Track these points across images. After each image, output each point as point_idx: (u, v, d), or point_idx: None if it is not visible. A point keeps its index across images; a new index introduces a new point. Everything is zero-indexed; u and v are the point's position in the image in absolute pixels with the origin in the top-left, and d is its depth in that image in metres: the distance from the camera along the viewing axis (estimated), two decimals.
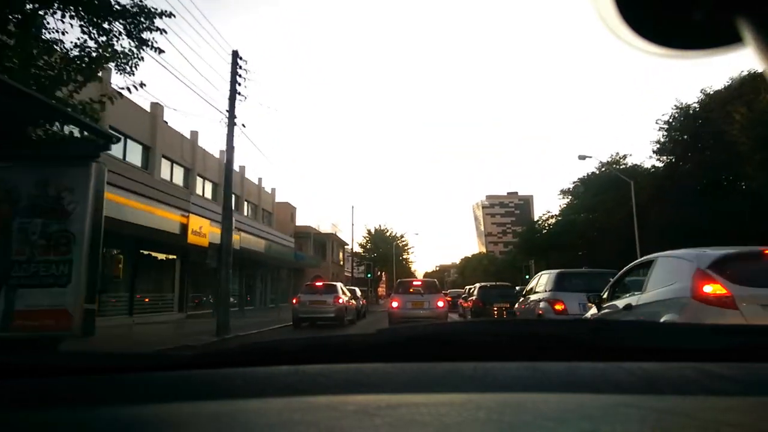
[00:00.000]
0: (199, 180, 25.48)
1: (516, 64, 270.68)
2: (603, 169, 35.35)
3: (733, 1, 0.51)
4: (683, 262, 4.92)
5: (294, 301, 17.35)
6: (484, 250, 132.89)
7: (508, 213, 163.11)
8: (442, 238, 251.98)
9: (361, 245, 55.80)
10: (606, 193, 33.15)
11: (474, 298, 19.22)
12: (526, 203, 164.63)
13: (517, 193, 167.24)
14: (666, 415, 0.58)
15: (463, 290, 37.58)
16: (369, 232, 56.05)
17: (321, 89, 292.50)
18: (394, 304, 15.20)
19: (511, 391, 0.71)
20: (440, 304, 15.14)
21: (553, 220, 39.51)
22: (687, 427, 0.54)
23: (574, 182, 40.85)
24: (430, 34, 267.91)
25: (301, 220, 48.24)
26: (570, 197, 41.07)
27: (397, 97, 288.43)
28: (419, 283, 16.63)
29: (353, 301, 18.81)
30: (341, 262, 54.80)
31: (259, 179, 36.95)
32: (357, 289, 23.53)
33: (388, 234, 56.39)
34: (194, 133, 25.37)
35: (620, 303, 5.88)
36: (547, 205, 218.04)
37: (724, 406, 0.63)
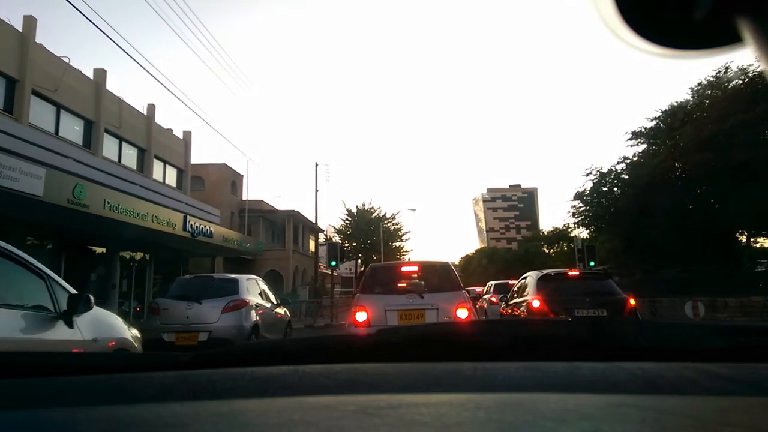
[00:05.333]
0: None
1: (517, 55, 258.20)
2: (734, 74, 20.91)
3: (733, 1, 0.51)
4: None
5: None
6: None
7: (510, 207, 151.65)
8: (438, 238, 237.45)
9: (339, 230, 40.77)
10: (736, 113, 18.86)
11: (531, 300, 8.97)
12: (530, 196, 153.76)
13: (519, 185, 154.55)
14: (666, 415, 0.58)
15: (483, 288, 24.41)
16: (349, 212, 41.07)
17: (316, 75, 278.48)
18: (361, 317, 6.83)
19: (511, 391, 0.70)
20: (462, 314, 6.87)
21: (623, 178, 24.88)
22: (687, 427, 0.54)
23: (654, 118, 26.26)
24: (432, 22, 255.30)
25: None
26: (647, 141, 26.50)
27: (388, 87, 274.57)
28: (415, 269, 7.83)
29: None
30: (310, 252, 39.77)
31: (149, 106, 22.43)
32: (244, 279, 9.07)
33: (374, 215, 41.27)
34: None
35: None
36: (553, 200, 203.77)
37: (724, 406, 0.63)
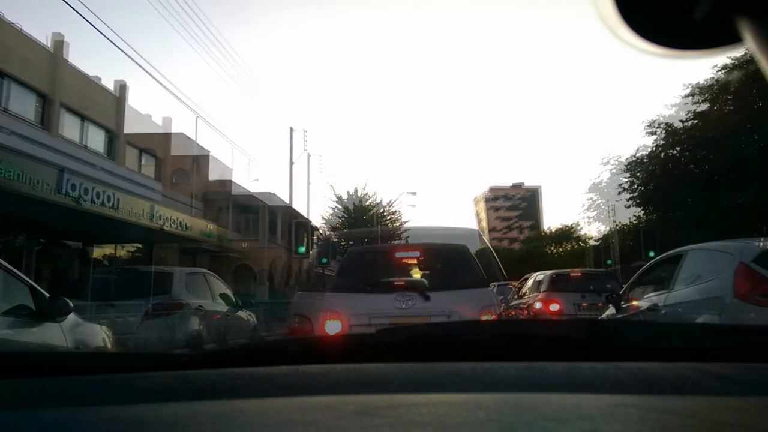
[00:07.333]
0: None
1: (519, 49, 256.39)
2: None
3: (733, 1, 0.51)
4: (722, 255, 4.39)
5: None
6: None
7: (513, 206, 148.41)
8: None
9: (335, 227, 38.76)
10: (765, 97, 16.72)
11: (534, 302, 9.28)
12: (532, 195, 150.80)
13: (522, 184, 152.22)
14: (666, 415, 0.58)
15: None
16: (346, 209, 39.06)
17: (316, 71, 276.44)
18: (332, 329, 4.72)
19: (510, 391, 0.71)
20: None
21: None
22: (687, 427, 0.54)
23: (673, 105, 24.03)
24: (431, 22, 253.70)
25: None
26: (665, 130, 24.26)
27: (388, 84, 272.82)
28: (415, 254, 5.90)
29: None
30: (309, 251, 37.66)
31: (121, 86, 20.36)
32: (182, 274, 6.84)
33: (372, 212, 39.26)
34: None
35: (643, 303, 5.35)
36: (555, 201, 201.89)
37: (723, 406, 0.63)
